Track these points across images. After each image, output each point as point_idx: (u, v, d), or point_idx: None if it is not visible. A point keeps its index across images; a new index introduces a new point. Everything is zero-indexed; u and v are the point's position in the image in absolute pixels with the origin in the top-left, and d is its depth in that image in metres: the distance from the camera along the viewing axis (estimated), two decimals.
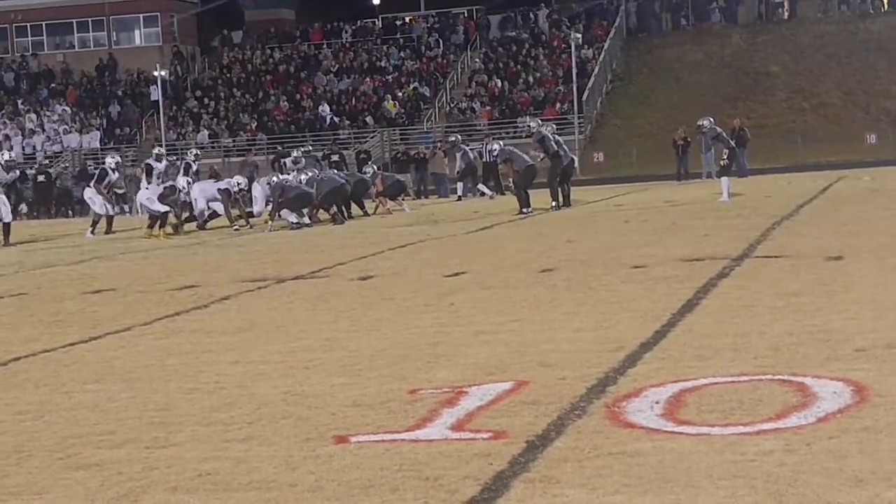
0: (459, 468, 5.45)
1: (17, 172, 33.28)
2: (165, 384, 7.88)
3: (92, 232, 26.68)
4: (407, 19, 66.95)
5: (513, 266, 14.22)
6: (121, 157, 30.66)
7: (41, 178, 46.27)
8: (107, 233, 26.71)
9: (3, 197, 25.54)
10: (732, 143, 27.77)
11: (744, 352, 7.77)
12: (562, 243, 16.54)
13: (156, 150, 29.55)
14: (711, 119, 27.14)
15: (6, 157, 27.09)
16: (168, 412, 7.01)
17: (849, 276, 11.37)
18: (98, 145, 57.57)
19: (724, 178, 24.83)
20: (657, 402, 6.46)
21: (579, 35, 56.63)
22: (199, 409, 7.03)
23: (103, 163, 29.72)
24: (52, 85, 64.51)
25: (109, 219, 27.47)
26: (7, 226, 25.02)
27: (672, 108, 48.66)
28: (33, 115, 60.94)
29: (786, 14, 62.69)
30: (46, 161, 54.53)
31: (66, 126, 59.81)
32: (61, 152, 57.63)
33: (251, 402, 7.12)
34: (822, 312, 9.21)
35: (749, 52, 58.16)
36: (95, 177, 28.20)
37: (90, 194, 27.82)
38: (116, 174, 28.14)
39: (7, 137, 58.78)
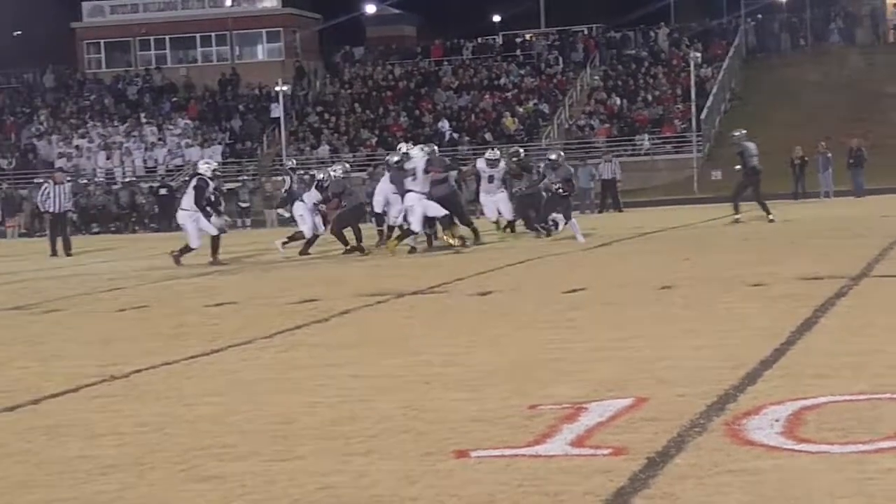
0: (580, 484, 5.43)
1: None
2: (287, 397, 7.92)
3: (284, 245, 23.17)
4: (527, 36, 67.04)
5: (631, 283, 14.17)
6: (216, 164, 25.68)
7: (163, 191, 47.06)
8: (301, 253, 22.69)
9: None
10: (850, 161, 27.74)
11: (863, 370, 7.67)
12: (679, 261, 16.44)
13: (290, 164, 29.15)
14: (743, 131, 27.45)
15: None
16: (289, 425, 7.04)
17: None
18: (220, 159, 58.23)
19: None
20: (777, 420, 6.40)
21: (699, 54, 56.29)
22: (320, 423, 7.06)
23: (197, 171, 23.28)
24: (175, 99, 65.26)
25: (313, 239, 23.18)
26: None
27: (790, 127, 48.07)
28: (155, 129, 61.71)
29: None
30: (168, 175, 55.29)
31: (187, 140, 60.52)
32: (182, 166, 58.30)
33: (372, 416, 7.14)
34: None
35: (867, 73, 57.50)
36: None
37: (301, 211, 23.26)
38: (213, 184, 22.22)
39: (129, 151, 59.70)
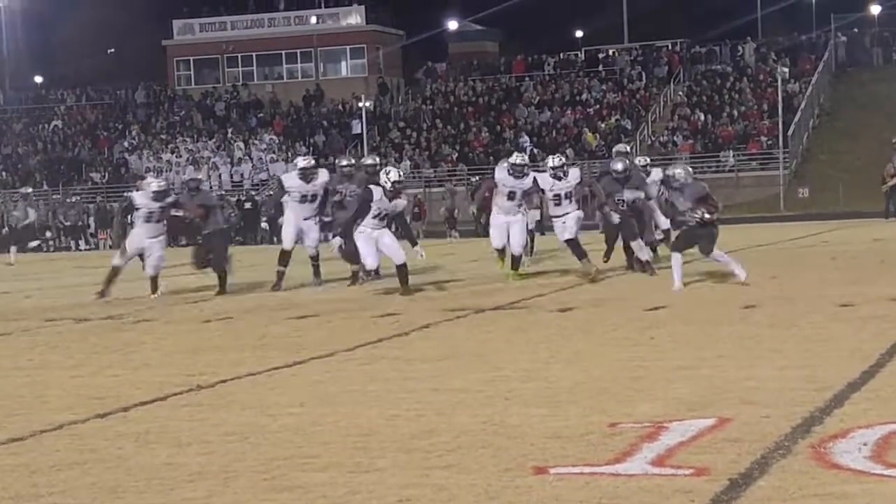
0: None
1: (172, 196, 25.47)
2: (367, 409, 7.96)
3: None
4: (610, 52, 66.80)
5: (715, 301, 14.04)
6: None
7: (248, 204, 47.54)
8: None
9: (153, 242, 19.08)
10: None
11: None
12: (766, 279, 16.25)
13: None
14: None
15: (154, 187, 20.22)
16: (370, 437, 7.07)
17: None
18: None
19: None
20: (865, 444, 6.29)
21: (786, 69, 55.78)
22: (400, 436, 7.09)
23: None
24: (260, 114, 66.12)
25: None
26: (153, 279, 19.19)
27: (882, 143, 47.36)
28: (241, 144, 62.50)
29: None
30: (253, 189, 55.83)
31: (272, 155, 61.16)
32: (267, 180, 58.89)
33: (451, 430, 7.15)
34: None
35: None
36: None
37: None
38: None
39: (216, 166, 60.39)
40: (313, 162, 19.45)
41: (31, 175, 62.61)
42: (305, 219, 18.69)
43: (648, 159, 20.52)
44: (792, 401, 7.50)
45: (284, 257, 18.95)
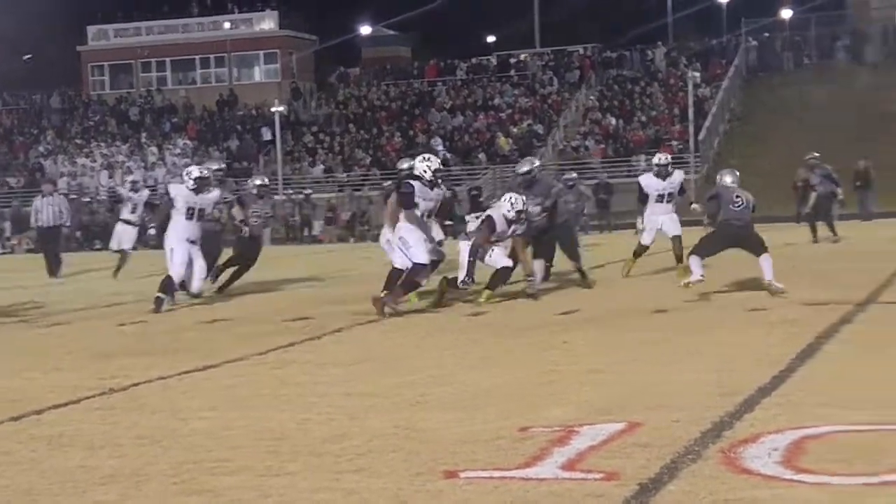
0: None
1: (146, 191, 28.01)
2: (279, 413, 7.93)
3: None
4: (522, 57, 67.07)
5: (626, 306, 14.11)
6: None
7: (154, 200, 47.24)
8: None
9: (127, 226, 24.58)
10: (857, 184, 27.45)
11: (867, 400, 7.59)
12: (675, 285, 16.33)
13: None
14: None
15: (130, 178, 21.05)
16: (281, 441, 7.04)
17: None
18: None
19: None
20: (775, 449, 6.33)
21: (697, 73, 56.24)
22: (311, 440, 7.06)
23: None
24: (174, 119, 65.95)
25: None
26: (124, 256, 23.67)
27: (792, 148, 47.84)
28: (155, 149, 62.21)
29: None
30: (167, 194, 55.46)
31: (186, 159, 60.80)
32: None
33: (362, 435, 7.12)
34: None
35: (875, 92, 56.66)
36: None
37: None
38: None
39: (130, 170, 59.98)
40: (211, 172, 17.44)
41: None
42: (190, 241, 16.37)
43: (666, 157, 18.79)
44: (702, 405, 7.53)
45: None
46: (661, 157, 18.52)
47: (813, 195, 26.54)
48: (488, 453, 6.52)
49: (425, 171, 14.68)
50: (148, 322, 14.73)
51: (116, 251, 24.77)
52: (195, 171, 16.88)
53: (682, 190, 18.70)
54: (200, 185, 16.60)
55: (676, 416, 7.22)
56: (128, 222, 25.34)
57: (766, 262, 14.88)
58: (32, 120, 69.49)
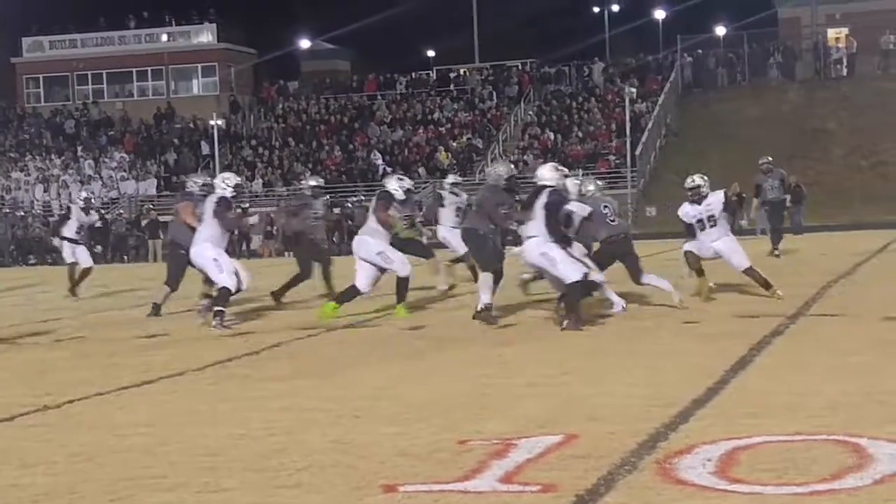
0: None
1: (97, 216, 27.92)
2: (216, 429, 7.89)
3: None
4: (461, 71, 67.25)
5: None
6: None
7: (98, 224, 46.93)
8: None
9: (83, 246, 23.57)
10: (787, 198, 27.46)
11: (798, 411, 7.69)
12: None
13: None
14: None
15: (84, 195, 20.54)
16: (218, 457, 7.02)
17: None
18: (154, 192, 58.25)
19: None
20: (709, 460, 6.40)
21: (634, 89, 56.66)
22: (248, 455, 7.04)
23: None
24: (111, 132, 65.40)
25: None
26: (87, 270, 21.86)
27: (727, 163, 48.35)
28: (91, 162, 61.71)
29: (844, 71, 62.35)
30: (103, 208, 55.11)
31: (123, 173, 60.48)
32: (118, 199, 58.21)
33: (300, 450, 7.11)
34: (880, 373, 9.12)
35: (806, 109, 57.75)
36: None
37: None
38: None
39: (65, 184, 59.49)
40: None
41: None
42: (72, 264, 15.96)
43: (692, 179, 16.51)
44: (637, 417, 7.60)
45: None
46: (689, 180, 16.42)
47: (754, 203, 26.54)
48: (427, 467, 6.54)
49: (396, 191, 15.38)
50: (85, 338, 14.62)
51: (70, 263, 24.06)
52: (232, 178, 16.11)
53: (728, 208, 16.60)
54: (239, 194, 16.15)
55: (612, 429, 7.27)
56: (71, 241, 24.72)
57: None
58: None
